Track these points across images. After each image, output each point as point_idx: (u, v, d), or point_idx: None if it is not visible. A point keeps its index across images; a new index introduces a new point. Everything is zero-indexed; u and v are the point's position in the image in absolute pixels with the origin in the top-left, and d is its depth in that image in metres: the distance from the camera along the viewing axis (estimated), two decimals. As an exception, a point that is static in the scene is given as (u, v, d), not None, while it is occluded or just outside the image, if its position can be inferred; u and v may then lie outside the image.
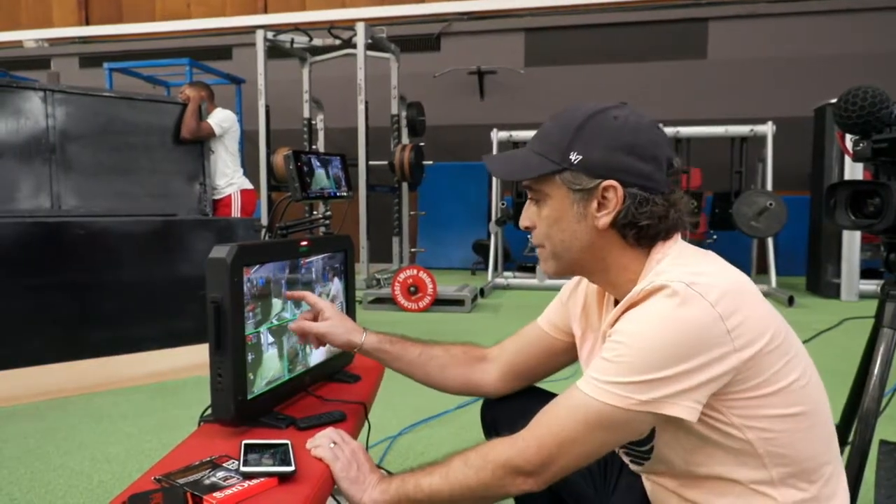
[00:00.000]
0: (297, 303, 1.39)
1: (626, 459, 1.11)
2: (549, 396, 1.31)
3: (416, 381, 1.35)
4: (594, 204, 0.98)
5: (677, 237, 1.02)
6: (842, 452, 1.52)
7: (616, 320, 0.95)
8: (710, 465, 0.96)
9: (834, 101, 1.38)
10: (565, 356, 1.26)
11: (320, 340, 1.31)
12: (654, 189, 0.98)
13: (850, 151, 1.42)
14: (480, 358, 1.33)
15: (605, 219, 0.98)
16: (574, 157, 0.98)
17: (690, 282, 0.88)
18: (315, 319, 1.31)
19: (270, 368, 1.29)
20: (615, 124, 0.98)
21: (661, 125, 1.02)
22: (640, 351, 0.88)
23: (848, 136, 1.41)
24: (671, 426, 0.93)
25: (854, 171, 5.50)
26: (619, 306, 0.97)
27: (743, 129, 6.38)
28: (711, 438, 0.93)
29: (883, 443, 1.54)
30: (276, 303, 1.31)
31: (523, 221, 1.07)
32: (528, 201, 1.07)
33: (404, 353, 1.31)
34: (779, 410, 0.92)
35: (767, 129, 6.28)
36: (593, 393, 0.91)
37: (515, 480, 0.97)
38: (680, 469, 1.00)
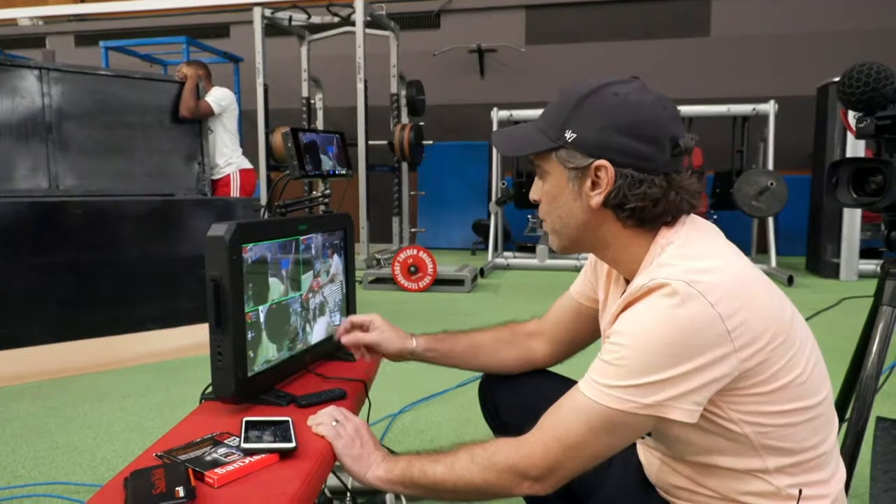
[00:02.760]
0: (298, 282, 1.39)
1: None
2: (546, 377, 1.34)
3: (470, 371, 1.37)
4: (588, 182, 0.97)
5: (686, 219, 1.00)
6: (839, 429, 1.53)
7: (616, 317, 0.94)
8: (707, 455, 0.97)
9: (837, 79, 1.36)
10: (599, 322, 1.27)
11: (372, 350, 1.33)
12: (652, 170, 0.94)
13: (853, 128, 1.41)
14: (528, 335, 1.36)
15: (597, 198, 0.97)
16: (569, 134, 0.96)
17: (691, 280, 0.86)
18: (364, 330, 1.33)
19: (270, 346, 1.29)
20: (613, 101, 0.95)
21: (667, 104, 0.97)
22: (639, 353, 0.87)
23: (851, 113, 1.40)
24: (672, 426, 0.93)
25: (856, 150, 5.48)
26: (619, 302, 0.96)
27: (745, 108, 6.34)
28: (707, 430, 0.94)
29: (880, 419, 1.55)
30: (276, 281, 1.31)
31: (532, 195, 1.08)
32: (537, 176, 1.07)
33: (453, 348, 1.34)
34: (778, 407, 0.91)
35: (770, 107, 6.24)
36: (596, 397, 0.90)
37: (522, 484, 0.97)
38: (677, 457, 1.02)
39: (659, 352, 0.86)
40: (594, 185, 0.97)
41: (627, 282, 1.03)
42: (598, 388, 0.90)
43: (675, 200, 0.97)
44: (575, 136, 0.96)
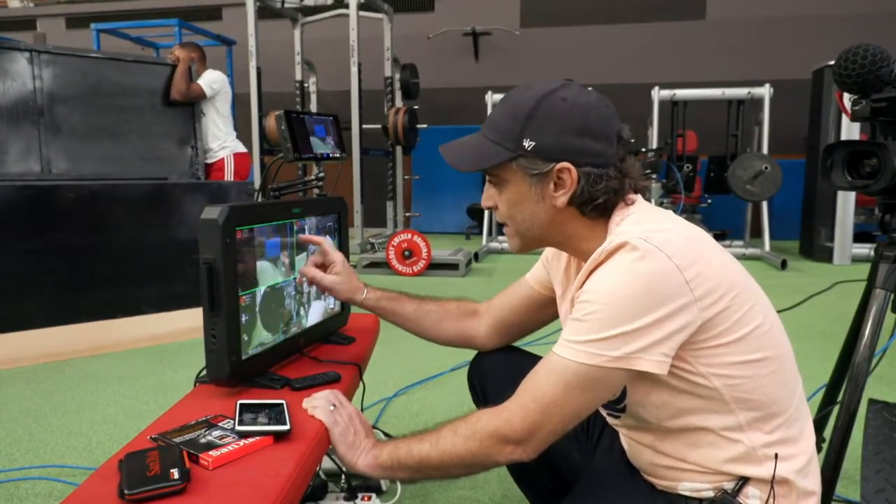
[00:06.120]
0: (292, 265, 1.39)
1: (603, 413, 1.15)
2: (535, 360, 1.35)
3: (411, 334, 1.42)
4: (550, 185, 1.02)
5: (637, 199, 1.06)
6: (832, 412, 1.54)
7: (583, 283, 0.98)
8: (681, 416, 0.99)
9: (833, 63, 1.36)
10: (548, 311, 1.32)
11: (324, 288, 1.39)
12: (607, 164, 1.01)
13: (849, 111, 1.40)
14: (472, 312, 1.41)
15: (562, 198, 1.02)
16: (527, 143, 1.00)
17: (647, 237, 0.92)
18: (324, 268, 1.38)
19: (264, 329, 1.29)
20: (564, 107, 1.00)
21: (607, 102, 1.03)
22: (606, 306, 0.91)
23: (846, 96, 1.40)
24: (642, 383, 0.97)
25: (851, 133, 5.48)
26: (584, 269, 1.00)
27: (740, 92, 6.32)
28: (679, 388, 0.96)
29: (871, 401, 1.56)
30: (269, 264, 1.31)
31: (485, 202, 1.10)
32: (487, 182, 1.09)
33: (400, 308, 1.40)
34: (743, 357, 0.95)
35: (765, 91, 6.22)
36: (568, 354, 0.94)
37: (504, 450, 0.99)
38: (653, 425, 1.03)
39: (624, 304, 0.90)
40: (557, 186, 1.02)
41: None
42: (570, 346, 0.94)
43: (628, 186, 1.04)
44: (534, 143, 1.00)
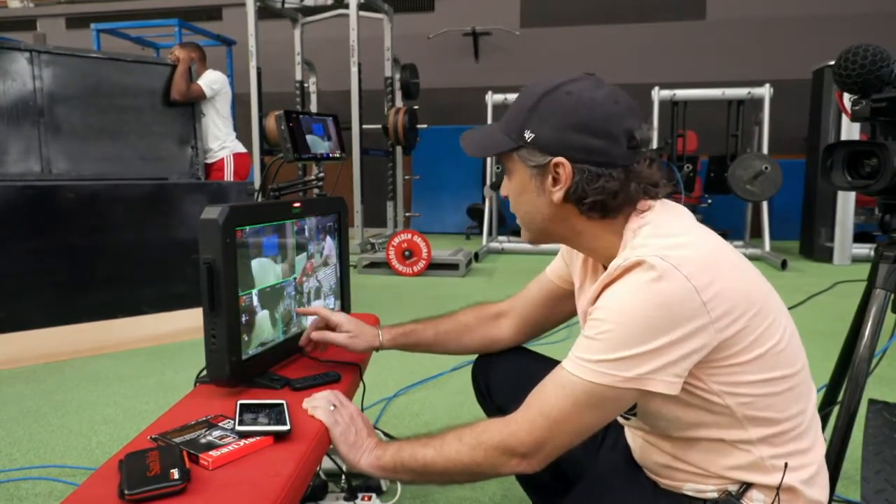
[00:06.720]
0: (292, 265, 1.39)
1: None
2: (538, 359, 1.36)
3: (440, 355, 1.44)
4: (549, 179, 1.02)
5: (656, 204, 1.02)
6: (832, 412, 1.54)
7: (596, 297, 0.97)
8: (691, 429, 0.98)
9: (833, 63, 1.36)
10: (570, 304, 1.31)
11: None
12: (609, 164, 0.98)
13: (849, 111, 1.40)
14: (494, 315, 1.41)
15: (558, 193, 1.01)
16: (528, 134, 1.01)
17: (665, 255, 0.89)
18: (329, 328, 1.37)
19: (264, 329, 1.29)
20: (568, 101, 0.99)
21: (619, 99, 0.99)
22: (620, 326, 0.90)
23: (846, 96, 1.40)
24: (653, 399, 0.95)
25: (850, 133, 5.48)
26: (597, 283, 0.98)
27: (740, 92, 6.32)
28: (691, 404, 0.95)
29: (872, 402, 1.56)
30: (269, 264, 1.31)
31: (502, 191, 1.13)
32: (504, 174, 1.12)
33: (420, 341, 1.40)
34: (757, 376, 0.93)
35: (765, 91, 6.22)
36: (579, 372, 0.93)
37: (510, 462, 0.98)
38: (661, 433, 1.03)
39: (639, 325, 0.89)
40: (555, 181, 1.01)
41: (605, 268, 1.04)
42: (581, 364, 0.93)
43: (636, 190, 1.00)
44: (533, 135, 1.00)
